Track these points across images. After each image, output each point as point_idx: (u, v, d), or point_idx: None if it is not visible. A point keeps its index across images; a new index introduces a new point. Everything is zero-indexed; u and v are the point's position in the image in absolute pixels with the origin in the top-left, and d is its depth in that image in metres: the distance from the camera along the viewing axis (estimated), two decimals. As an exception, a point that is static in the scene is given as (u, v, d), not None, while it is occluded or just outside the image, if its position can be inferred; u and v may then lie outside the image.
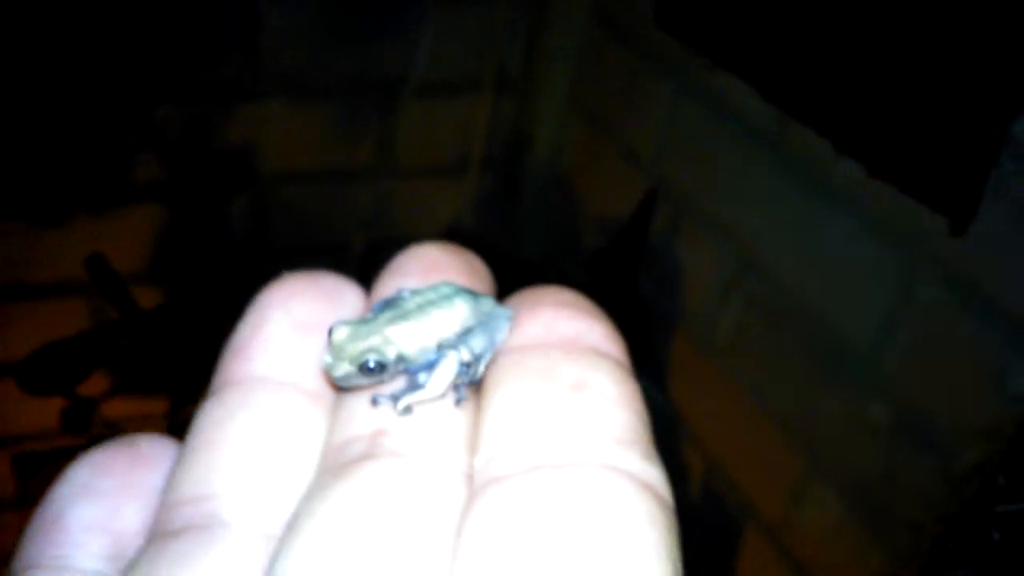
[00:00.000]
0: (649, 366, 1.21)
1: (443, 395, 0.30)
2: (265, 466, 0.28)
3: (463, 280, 0.34)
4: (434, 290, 0.32)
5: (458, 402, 0.30)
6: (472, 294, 0.33)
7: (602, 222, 1.34)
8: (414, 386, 0.30)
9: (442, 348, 0.32)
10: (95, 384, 1.28)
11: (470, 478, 0.26)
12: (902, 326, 0.87)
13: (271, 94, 1.28)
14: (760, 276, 1.05)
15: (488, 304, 0.33)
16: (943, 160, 0.79)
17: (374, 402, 0.29)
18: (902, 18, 0.81)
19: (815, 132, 0.90)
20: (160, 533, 0.27)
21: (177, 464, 0.29)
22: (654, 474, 0.26)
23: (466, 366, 0.31)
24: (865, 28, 0.85)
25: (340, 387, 0.30)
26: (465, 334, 0.32)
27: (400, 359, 0.31)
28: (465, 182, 1.47)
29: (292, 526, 0.25)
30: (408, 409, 0.29)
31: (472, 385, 0.31)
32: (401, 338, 0.31)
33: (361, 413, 0.29)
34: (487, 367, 0.31)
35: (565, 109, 1.41)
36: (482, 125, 1.44)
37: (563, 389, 0.27)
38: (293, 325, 0.31)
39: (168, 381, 1.31)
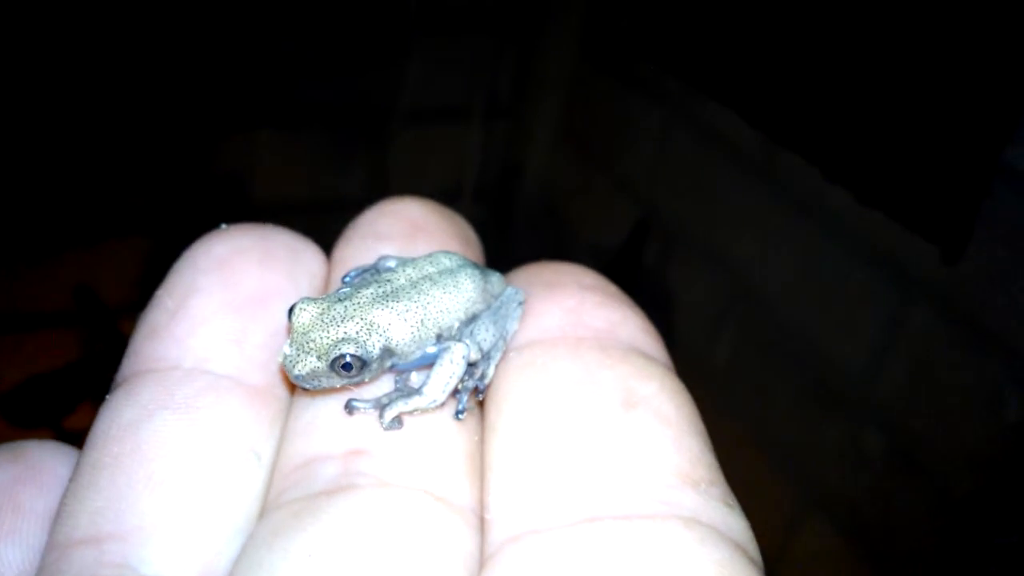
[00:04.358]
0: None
1: (442, 404, 0.22)
2: (192, 493, 0.20)
3: (454, 247, 0.27)
4: (431, 261, 0.24)
5: (459, 415, 0.22)
6: (479, 268, 0.26)
7: (593, 251, 1.33)
8: (405, 390, 0.23)
9: (443, 340, 0.24)
10: (82, 417, 1.27)
11: (480, 520, 0.19)
12: (895, 353, 0.86)
13: (260, 123, 1.27)
14: (753, 303, 1.05)
15: (498, 282, 0.26)
16: (934, 189, 0.78)
17: (349, 409, 0.22)
18: (891, 46, 0.81)
19: (803, 160, 0.90)
20: None
21: (73, 485, 0.20)
22: (738, 526, 0.20)
23: (472, 366, 0.23)
24: (853, 56, 0.85)
25: (302, 387, 0.23)
26: (472, 322, 0.24)
27: (387, 353, 0.23)
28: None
29: None
30: (397, 421, 0.21)
31: (478, 393, 0.24)
32: (389, 324, 0.23)
33: (330, 423, 0.21)
34: (497, 368, 0.24)
35: (556, 138, 1.42)
36: (473, 154, 1.44)
37: (609, 406, 0.21)
38: (233, 297, 0.24)
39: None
